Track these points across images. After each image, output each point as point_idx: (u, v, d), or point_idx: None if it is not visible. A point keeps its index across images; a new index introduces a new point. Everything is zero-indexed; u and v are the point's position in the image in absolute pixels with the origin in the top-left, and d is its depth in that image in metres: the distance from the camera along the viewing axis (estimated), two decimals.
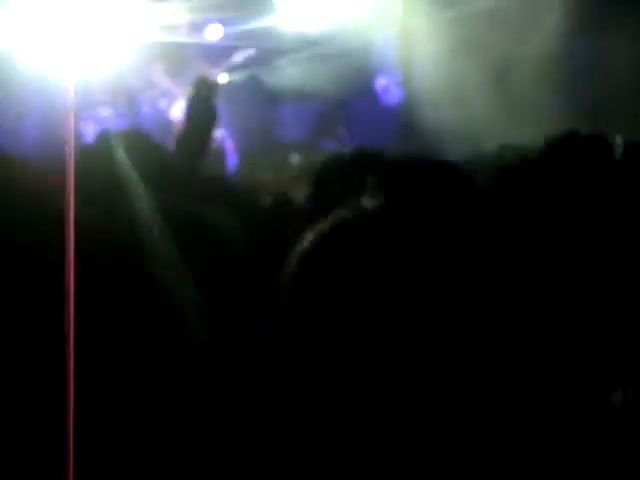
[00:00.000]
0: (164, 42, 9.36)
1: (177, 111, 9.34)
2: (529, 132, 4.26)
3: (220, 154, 7.91)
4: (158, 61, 9.46)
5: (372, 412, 1.43)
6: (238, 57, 9.43)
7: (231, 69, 9.48)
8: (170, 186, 2.12)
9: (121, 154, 2.08)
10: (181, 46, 9.37)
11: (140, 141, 2.20)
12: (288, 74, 10.14)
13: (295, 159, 9.41)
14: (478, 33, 8.33)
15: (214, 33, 9.56)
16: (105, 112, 10.13)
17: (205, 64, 9.28)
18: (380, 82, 9.67)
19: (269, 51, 9.80)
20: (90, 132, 10.17)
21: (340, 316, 1.44)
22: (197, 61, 9.39)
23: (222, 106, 9.29)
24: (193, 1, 9.60)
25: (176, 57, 9.41)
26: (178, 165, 2.43)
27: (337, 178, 2.57)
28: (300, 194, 3.23)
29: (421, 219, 1.46)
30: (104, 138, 2.19)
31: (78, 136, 10.10)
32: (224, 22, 9.66)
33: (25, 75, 9.96)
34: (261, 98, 10.22)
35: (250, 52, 9.42)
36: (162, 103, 9.69)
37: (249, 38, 9.65)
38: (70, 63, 10.22)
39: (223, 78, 9.39)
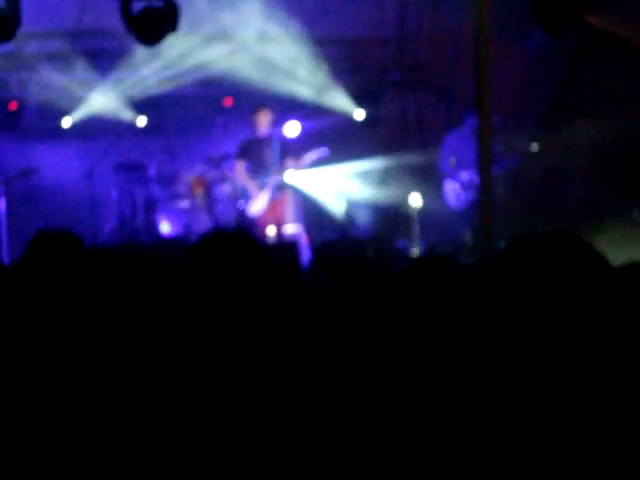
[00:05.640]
0: (246, 139, 9.34)
1: (254, 209, 9.28)
2: None
3: (295, 248, 7.90)
4: (241, 158, 9.35)
5: None
6: (313, 155, 9.29)
7: (308, 167, 9.40)
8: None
9: (229, 254, 2.15)
10: (260, 143, 9.27)
11: (246, 241, 2.24)
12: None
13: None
14: None
15: (293, 130, 9.55)
16: (184, 204, 10.22)
17: (283, 162, 9.26)
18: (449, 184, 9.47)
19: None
20: (167, 223, 10.19)
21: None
22: (275, 159, 9.27)
23: (299, 200, 9.35)
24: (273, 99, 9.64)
25: (256, 154, 9.27)
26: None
27: None
28: None
29: None
30: (212, 238, 2.24)
31: (154, 227, 10.20)
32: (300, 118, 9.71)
33: None
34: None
35: (324, 150, 9.30)
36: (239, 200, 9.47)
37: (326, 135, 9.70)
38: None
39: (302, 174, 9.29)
